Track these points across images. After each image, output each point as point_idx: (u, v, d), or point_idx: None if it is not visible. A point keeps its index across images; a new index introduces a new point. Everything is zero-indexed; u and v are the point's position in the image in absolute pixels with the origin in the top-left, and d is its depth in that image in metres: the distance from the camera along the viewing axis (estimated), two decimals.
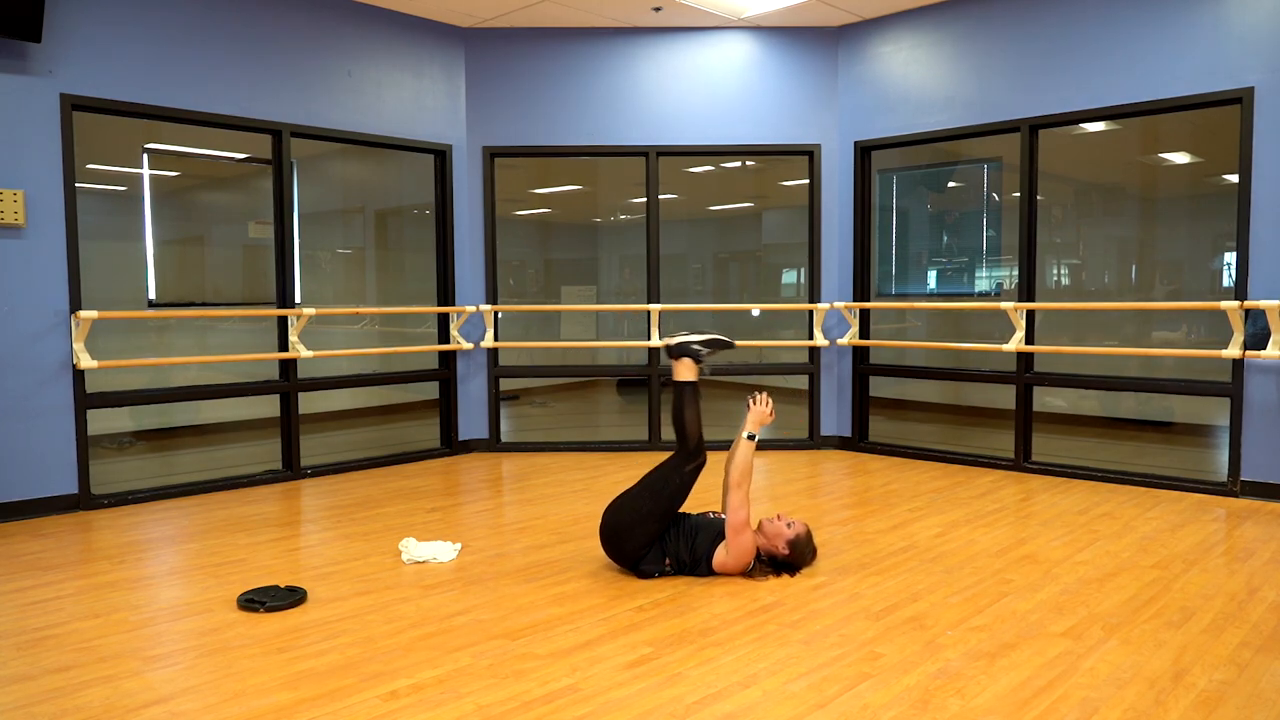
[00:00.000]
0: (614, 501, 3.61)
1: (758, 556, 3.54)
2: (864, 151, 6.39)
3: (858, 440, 6.52)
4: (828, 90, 6.45)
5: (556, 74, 6.39)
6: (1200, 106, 5.02)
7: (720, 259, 8.71)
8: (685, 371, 3.61)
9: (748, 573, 3.53)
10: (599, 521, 3.67)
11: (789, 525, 3.55)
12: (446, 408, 6.47)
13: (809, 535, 3.60)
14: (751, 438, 3.53)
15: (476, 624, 3.09)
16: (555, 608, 3.24)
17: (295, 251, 5.67)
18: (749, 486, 3.48)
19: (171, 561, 3.95)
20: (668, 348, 3.66)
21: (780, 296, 7.80)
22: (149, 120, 5.06)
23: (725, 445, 3.77)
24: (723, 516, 3.62)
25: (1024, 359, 5.68)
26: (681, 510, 3.64)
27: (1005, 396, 5.82)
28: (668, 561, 3.53)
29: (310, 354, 5.58)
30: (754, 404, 3.62)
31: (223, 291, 6.02)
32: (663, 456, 3.65)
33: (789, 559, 3.54)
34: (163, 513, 4.76)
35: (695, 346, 3.62)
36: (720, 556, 3.50)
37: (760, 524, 3.58)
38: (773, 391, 3.85)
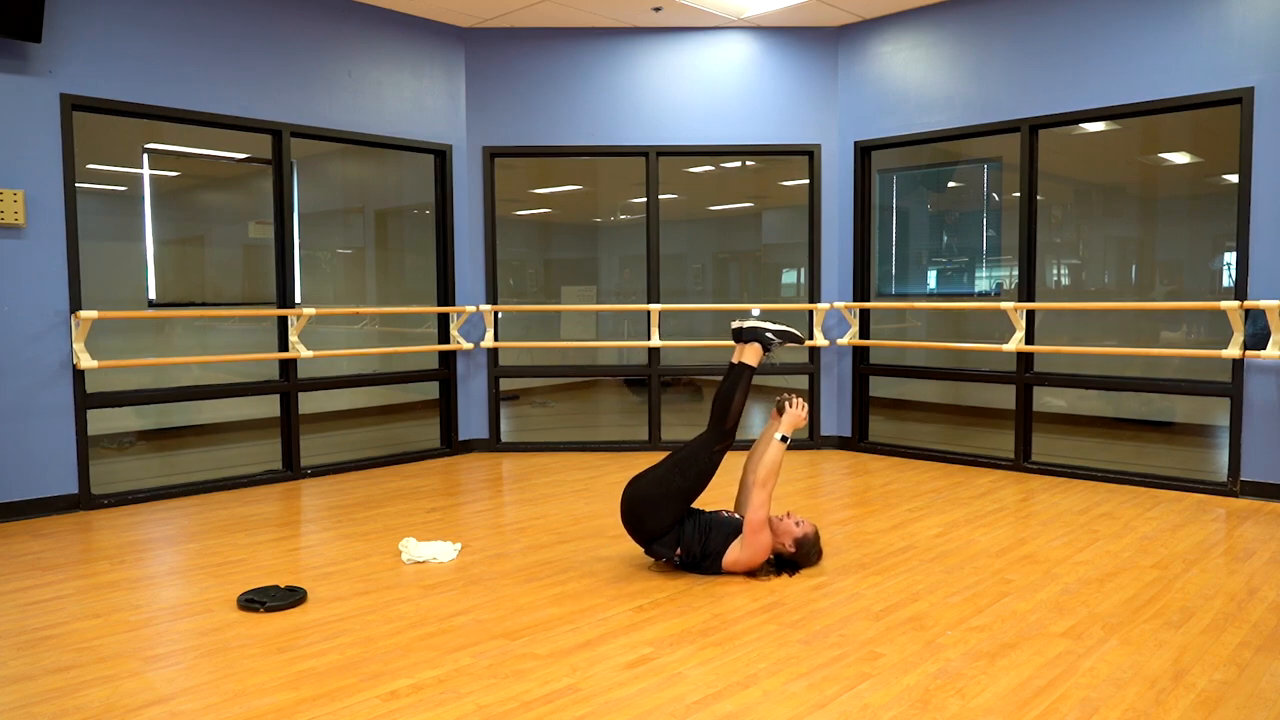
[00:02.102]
0: (638, 476, 3.61)
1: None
2: (864, 151, 6.39)
3: (858, 440, 6.52)
4: (828, 90, 6.45)
5: (556, 74, 6.39)
6: (1200, 106, 5.02)
7: (720, 259, 8.70)
8: (750, 356, 3.63)
9: (752, 571, 3.53)
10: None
11: (798, 524, 3.57)
12: (446, 408, 6.47)
13: (817, 536, 3.62)
14: (784, 439, 3.54)
15: (476, 624, 3.09)
16: (555, 608, 3.24)
17: (295, 251, 5.67)
18: (773, 487, 3.50)
19: (171, 561, 3.95)
20: (739, 329, 3.66)
21: (780, 296, 7.80)
22: (149, 120, 5.06)
23: (742, 446, 3.76)
24: (737, 516, 3.63)
25: (1024, 359, 5.68)
26: (696, 506, 3.65)
27: (1005, 396, 5.82)
28: (679, 551, 3.53)
29: (310, 354, 5.58)
30: (790, 407, 3.63)
31: (223, 291, 6.02)
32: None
33: (794, 557, 3.55)
34: (163, 513, 4.76)
35: (769, 335, 3.64)
36: (734, 554, 3.49)
37: (770, 522, 3.58)
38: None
